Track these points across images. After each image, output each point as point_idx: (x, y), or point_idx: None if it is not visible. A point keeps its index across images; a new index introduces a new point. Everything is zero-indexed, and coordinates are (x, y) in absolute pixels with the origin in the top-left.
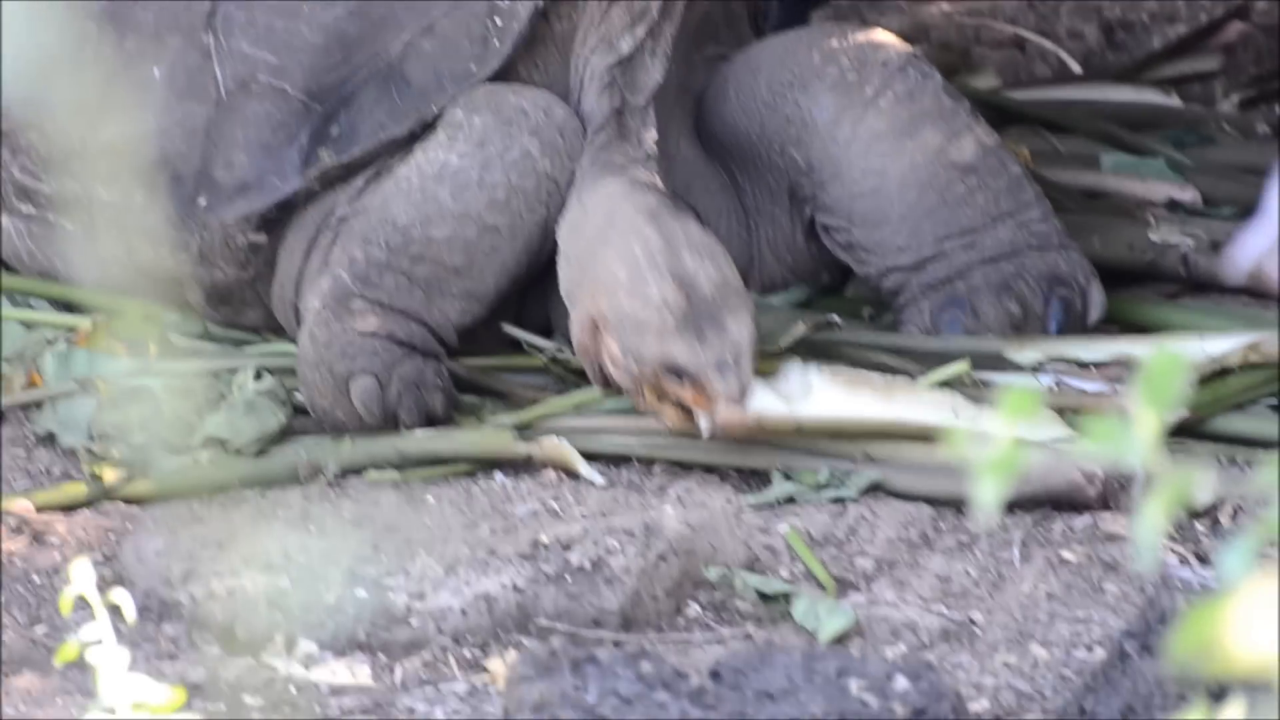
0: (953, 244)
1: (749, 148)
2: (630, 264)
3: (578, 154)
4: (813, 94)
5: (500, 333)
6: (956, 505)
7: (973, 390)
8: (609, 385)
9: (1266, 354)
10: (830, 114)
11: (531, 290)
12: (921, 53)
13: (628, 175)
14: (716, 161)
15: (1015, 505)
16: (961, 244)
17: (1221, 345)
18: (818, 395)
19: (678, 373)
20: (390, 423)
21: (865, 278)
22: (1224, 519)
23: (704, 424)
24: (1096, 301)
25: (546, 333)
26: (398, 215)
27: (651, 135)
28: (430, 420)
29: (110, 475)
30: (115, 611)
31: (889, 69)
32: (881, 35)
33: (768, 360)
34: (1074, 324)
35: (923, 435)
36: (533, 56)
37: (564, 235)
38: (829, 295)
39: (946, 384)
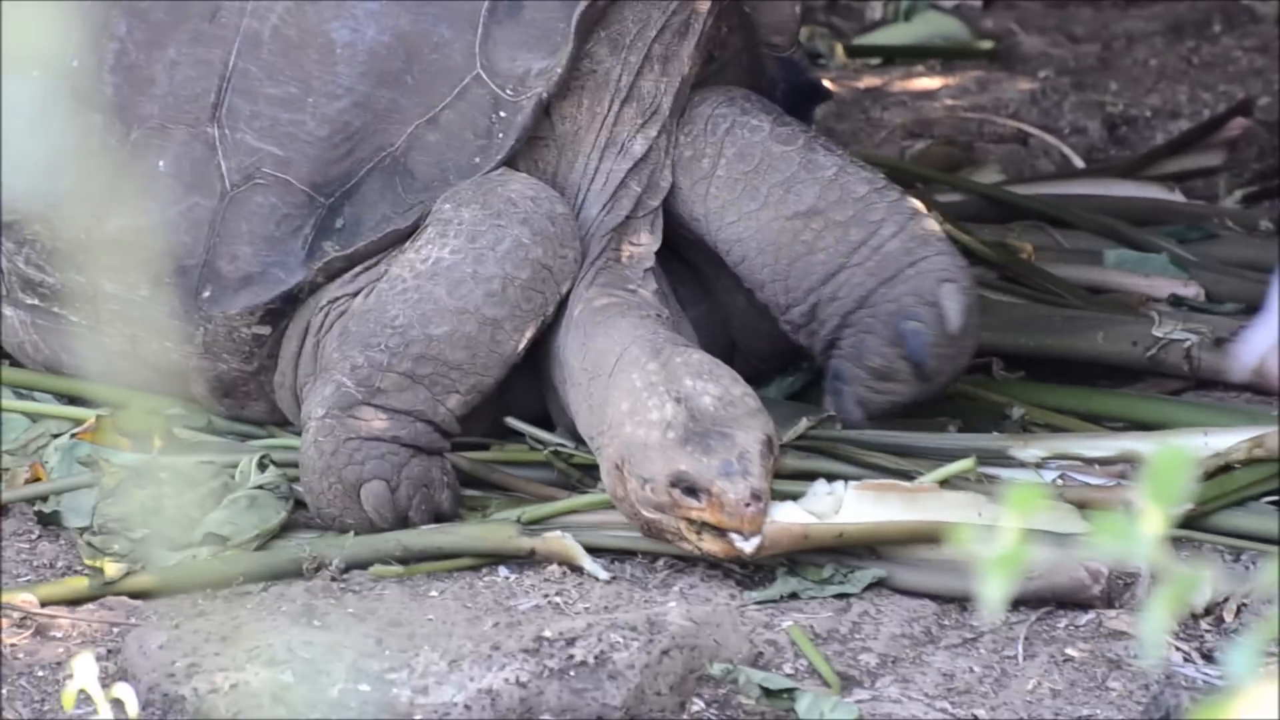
0: (823, 293)
1: (697, 241)
2: (631, 394)
3: (569, 239)
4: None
5: (489, 411)
6: (961, 602)
7: (980, 486)
8: (651, 533)
9: (1270, 450)
10: (684, 195)
11: (521, 376)
12: (757, 97)
13: (635, 313)
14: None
15: (1019, 602)
16: (828, 292)
17: (1225, 441)
18: (849, 509)
19: (690, 489)
20: (401, 524)
21: (795, 341)
22: (1228, 616)
23: (739, 543)
24: (952, 309)
25: (541, 420)
26: (395, 316)
27: (655, 241)
28: (438, 518)
29: (112, 569)
30: (118, 706)
31: (717, 134)
32: (714, 91)
33: (791, 481)
34: (938, 340)
35: (932, 533)
36: (533, 154)
37: (575, 367)
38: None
39: (946, 480)
